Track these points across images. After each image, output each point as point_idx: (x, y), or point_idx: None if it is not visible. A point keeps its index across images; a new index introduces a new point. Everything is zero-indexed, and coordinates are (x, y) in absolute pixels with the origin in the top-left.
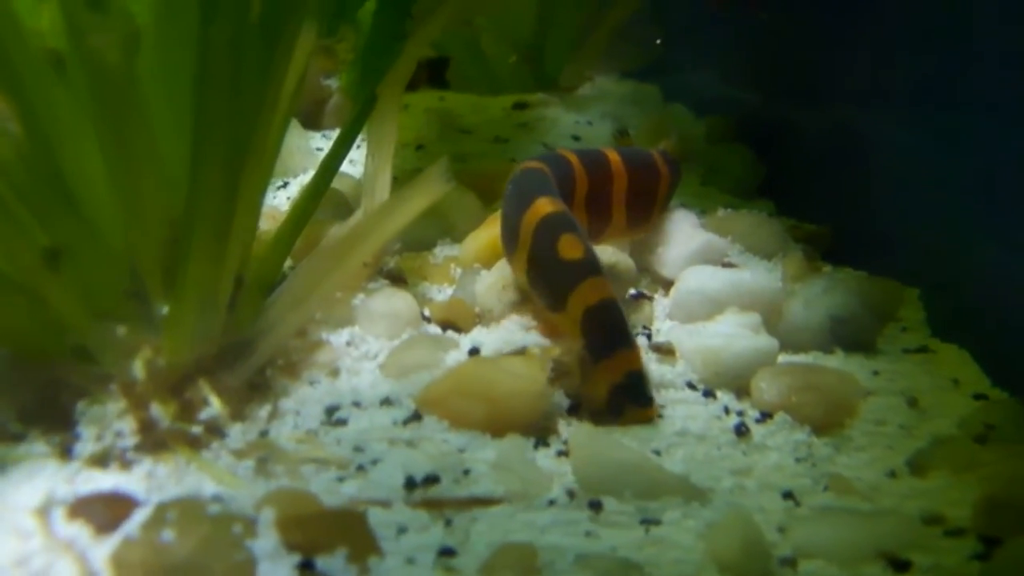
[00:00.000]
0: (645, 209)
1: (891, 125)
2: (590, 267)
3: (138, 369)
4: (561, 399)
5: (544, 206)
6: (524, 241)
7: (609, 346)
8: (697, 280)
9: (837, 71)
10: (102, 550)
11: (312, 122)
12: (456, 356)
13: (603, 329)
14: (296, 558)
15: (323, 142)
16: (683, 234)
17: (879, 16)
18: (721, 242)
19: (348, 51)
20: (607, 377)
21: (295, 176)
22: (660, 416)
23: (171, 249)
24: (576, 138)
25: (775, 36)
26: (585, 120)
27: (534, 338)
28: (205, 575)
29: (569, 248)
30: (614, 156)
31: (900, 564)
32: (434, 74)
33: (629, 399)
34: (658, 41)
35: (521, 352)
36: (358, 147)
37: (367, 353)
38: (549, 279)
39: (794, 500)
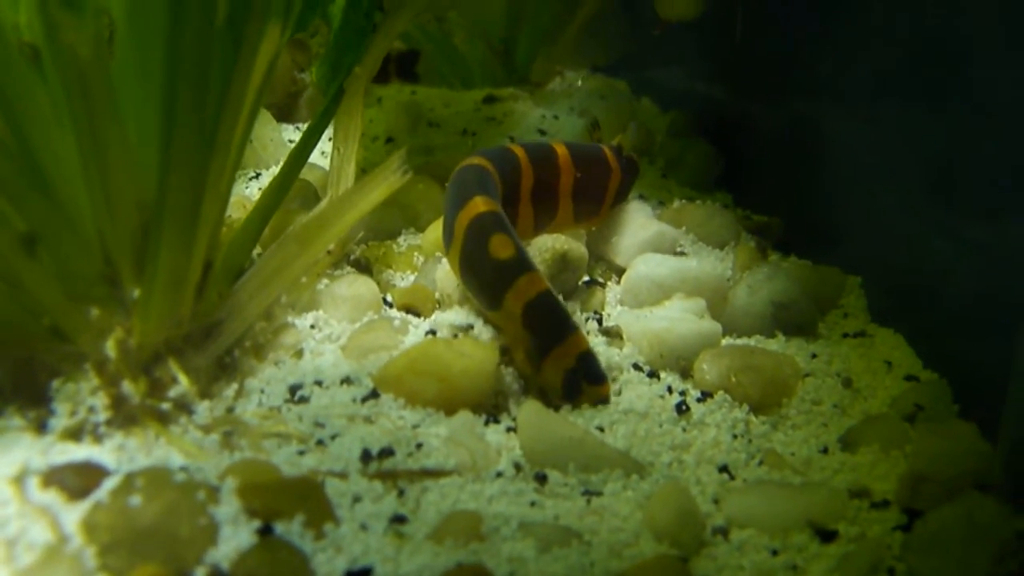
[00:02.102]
0: (593, 203)
1: (841, 122)
2: (523, 264)
3: (110, 349)
4: (512, 380)
5: (478, 205)
6: (457, 239)
7: (556, 336)
8: (646, 267)
9: (794, 70)
10: (73, 515)
11: (286, 115)
12: (414, 339)
13: (547, 321)
14: (256, 523)
15: (296, 134)
16: (636, 224)
17: (834, 18)
18: (673, 232)
19: (321, 45)
20: (560, 364)
21: (267, 168)
22: (613, 396)
23: (142, 235)
24: (542, 132)
25: (737, 35)
26: (552, 114)
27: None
28: (170, 537)
29: (500, 248)
30: (562, 150)
31: (827, 534)
32: (404, 67)
33: (584, 378)
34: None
35: (467, 329)
36: (329, 139)
37: (330, 335)
38: (482, 279)
39: (729, 474)
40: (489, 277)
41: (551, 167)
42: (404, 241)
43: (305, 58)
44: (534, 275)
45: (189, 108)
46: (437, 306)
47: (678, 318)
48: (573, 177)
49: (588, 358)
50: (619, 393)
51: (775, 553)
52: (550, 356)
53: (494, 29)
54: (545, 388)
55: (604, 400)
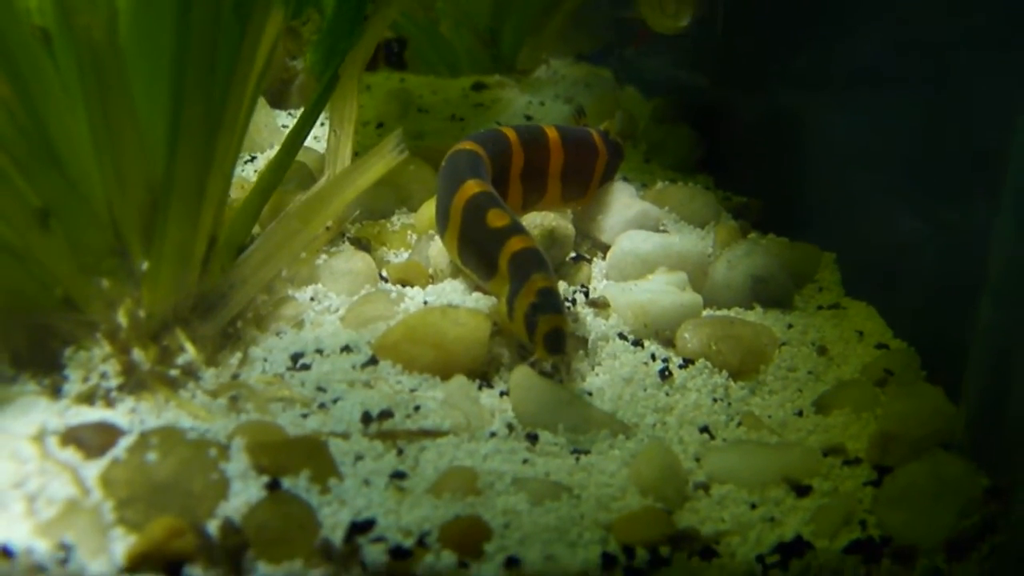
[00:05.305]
0: (580, 184)
1: (817, 108)
2: (517, 229)
3: (121, 318)
4: (504, 348)
5: (471, 187)
6: (454, 220)
7: (525, 275)
8: (631, 243)
9: (773, 59)
10: (92, 470)
11: (278, 101)
12: (409, 310)
13: (522, 265)
14: (264, 479)
15: (289, 120)
16: (621, 203)
17: (811, 10)
18: (656, 211)
19: (313, 32)
20: (524, 301)
21: (262, 151)
22: (599, 363)
23: (151, 211)
24: (529, 118)
25: (719, 25)
26: (538, 101)
27: (475, 296)
28: (184, 492)
29: (497, 218)
30: (552, 133)
31: (802, 489)
32: (392, 55)
33: (540, 311)
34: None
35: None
36: (322, 124)
37: (329, 307)
38: (481, 247)
39: (709, 434)
40: (487, 244)
41: (541, 149)
42: (397, 220)
43: (296, 46)
44: (526, 236)
45: (197, 89)
46: (431, 281)
47: (661, 291)
48: (562, 159)
49: (547, 292)
50: (603, 358)
51: (753, 507)
52: (518, 297)
53: (480, 17)
54: (518, 336)
55: (560, 333)
